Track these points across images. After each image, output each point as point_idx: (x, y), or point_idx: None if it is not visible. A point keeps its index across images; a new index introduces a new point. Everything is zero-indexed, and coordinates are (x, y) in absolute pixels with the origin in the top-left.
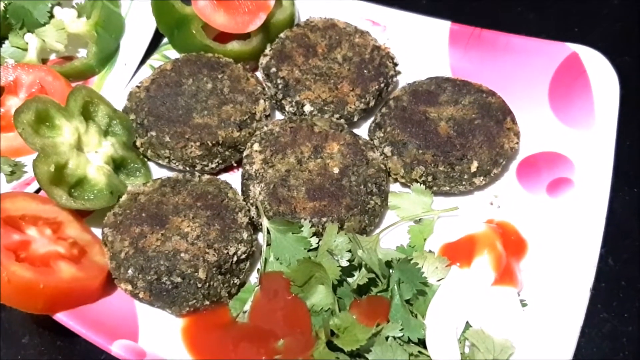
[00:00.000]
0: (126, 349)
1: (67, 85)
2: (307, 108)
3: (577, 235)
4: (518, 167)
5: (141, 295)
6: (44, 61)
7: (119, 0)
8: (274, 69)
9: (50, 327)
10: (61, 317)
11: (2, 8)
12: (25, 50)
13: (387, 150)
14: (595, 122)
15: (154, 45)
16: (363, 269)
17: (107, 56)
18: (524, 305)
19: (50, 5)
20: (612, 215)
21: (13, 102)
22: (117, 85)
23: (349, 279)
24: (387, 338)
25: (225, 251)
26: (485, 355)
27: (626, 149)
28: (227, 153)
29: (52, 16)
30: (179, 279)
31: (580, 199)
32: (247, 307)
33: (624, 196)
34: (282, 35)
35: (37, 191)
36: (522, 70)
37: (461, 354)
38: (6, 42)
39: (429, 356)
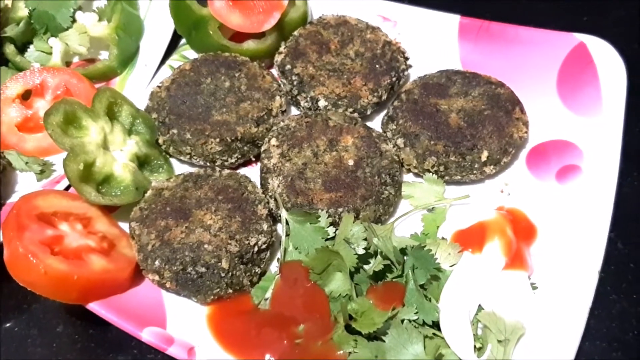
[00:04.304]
0: (155, 335)
1: (91, 86)
2: (322, 103)
3: (586, 220)
4: (527, 156)
5: (168, 285)
6: (68, 64)
7: (137, 2)
8: (288, 66)
9: (83, 316)
10: (94, 307)
11: (27, 14)
12: (50, 54)
13: (400, 142)
14: (603, 110)
15: (172, 46)
16: (379, 256)
17: (128, 58)
18: (534, 288)
19: (72, 10)
20: (622, 199)
21: (40, 104)
22: (138, 85)
23: (365, 266)
24: (402, 321)
25: (247, 242)
26: (497, 336)
27: (635, 135)
28: (245, 148)
29: (74, 21)
30: (203, 269)
31: (589, 185)
32: (268, 294)
33: (633, 181)
34: (295, 33)
35: (67, 188)
36: (530, 61)
37: (474, 335)
38: (31, 46)
39: (443, 338)
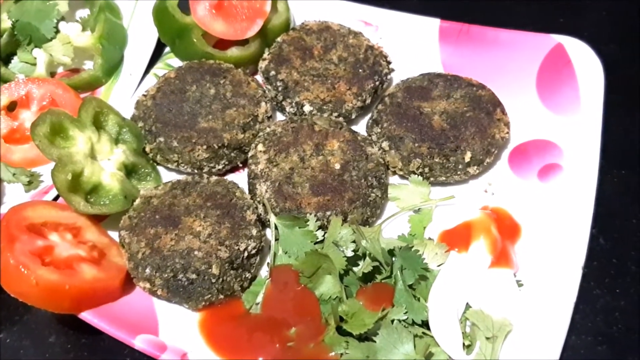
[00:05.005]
0: (148, 342)
1: (77, 96)
2: (307, 108)
3: (568, 217)
4: (510, 155)
5: (159, 292)
6: (52, 74)
7: (120, 12)
8: (273, 72)
9: (75, 326)
10: (86, 316)
11: (10, 25)
12: (34, 65)
13: (385, 144)
14: (581, 109)
15: (157, 54)
16: (367, 258)
17: (112, 67)
18: (520, 285)
19: (55, 20)
20: (602, 196)
21: (26, 116)
22: (123, 94)
23: (355, 268)
24: (392, 321)
25: (236, 247)
26: (485, 333)
27: (615, 132)
28: (232, 154)
29: (58, 31)
30: (194, 276)
31: (570, 183)
32: (259, 299)
33: (612, 178)
34: (279, 39)
35: (55, 199)
36: (510, 63)
37: (462, 333)
38: (15, 58)
39: (432, 337)
